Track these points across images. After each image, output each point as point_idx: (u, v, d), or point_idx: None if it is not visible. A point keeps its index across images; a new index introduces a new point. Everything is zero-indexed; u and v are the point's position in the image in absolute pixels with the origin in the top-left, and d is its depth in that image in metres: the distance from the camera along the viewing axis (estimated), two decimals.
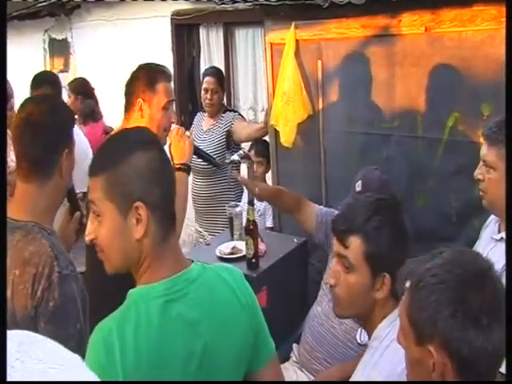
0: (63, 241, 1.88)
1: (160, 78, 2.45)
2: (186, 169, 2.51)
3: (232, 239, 3.37)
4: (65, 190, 1.91)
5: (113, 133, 2.52)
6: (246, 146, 4.20)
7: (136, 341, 1.28)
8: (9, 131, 1.89)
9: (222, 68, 5.00)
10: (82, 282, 1.79)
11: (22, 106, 1.87)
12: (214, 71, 4.32)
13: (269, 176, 4.04)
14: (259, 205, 3.76)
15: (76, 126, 2.51)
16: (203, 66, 5.57)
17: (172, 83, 2.57)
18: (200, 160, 3.29)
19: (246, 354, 1.50)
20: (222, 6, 4.72)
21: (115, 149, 1.41)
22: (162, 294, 1.35)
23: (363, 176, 2.81)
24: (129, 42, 6.07)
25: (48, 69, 7.33)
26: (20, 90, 3.88)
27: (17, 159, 1.82)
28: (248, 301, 1.50)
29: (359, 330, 2.04)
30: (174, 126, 2.56)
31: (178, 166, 2.44)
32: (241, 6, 4.46)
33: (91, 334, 1.33)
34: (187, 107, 5.90)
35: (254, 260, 2.95)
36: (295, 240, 3.29)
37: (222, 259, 3.05)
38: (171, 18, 5.65)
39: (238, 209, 3.47)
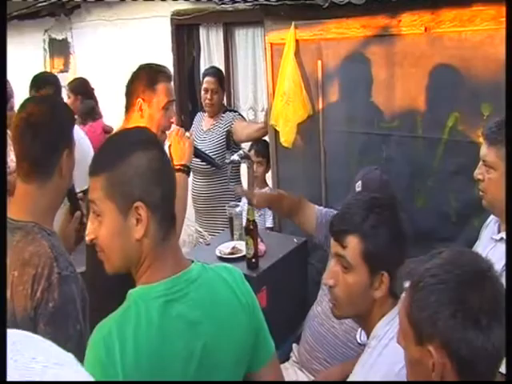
0: (64, 241, 1.88)
1: (160, 78, 2.45)
2: (186, 170, 2.51)
3: (232, 239, 3.37)
4: (65, 190, 1.91)
5: (113, 133, 2.52)
6: (245, 146, 4.21)
7: (136, 341, 1.28)
8: (9, 131, 1.89)
9: (222, 68, 5.00)
10: (82, 282, 1.79)
11: (22, 105, 1.86)
12: (214, 71, 4.32)
13: (269, 176, 4.04)
14: None
15: (76, 126, 2.51)
16: (203, 66, 5.58)
17: (172, 83, 2.57)
18: (200, 160, 3.29)
19: (245, 353, 1.50)
20: (222, 6, 4.72)
21: (116, 148, 1.41)
22: (162, 294, 1.35)
23: (363, 176, 2.81)
24: (129, 42, 6.08)
25: (48, 69, 7.34)
26: (20, 90, 3.88)
27: (17, 159, 1.82)
28: (248, 301, 1.50)
29: (359, 329, 2.04)
30: (173, 127, 2.56)
31: (178, 167, 2.43)
32: (241, 6, 4.46)
33: (91, 334, 1.33)
34: (187, 107, 5.91)
35: (253, 260, 2.95)
36: (295, 240, 3.29)
37: (221, 259, 3.05)
38: (171, 18, 5.66)
39: (237, 209, 3.47)
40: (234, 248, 3.15)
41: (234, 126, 4.05)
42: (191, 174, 2.79)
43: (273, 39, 3.65)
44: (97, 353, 1.28)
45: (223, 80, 4.34)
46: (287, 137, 3.59)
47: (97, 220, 1.37)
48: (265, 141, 4.02)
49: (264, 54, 3.90)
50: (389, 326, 1.65)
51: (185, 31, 5.79)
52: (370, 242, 1.68)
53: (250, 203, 2.95)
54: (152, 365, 1.29)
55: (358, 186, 2.76)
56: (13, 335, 0.65)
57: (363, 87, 3.32)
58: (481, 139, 2.18)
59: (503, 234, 2.09)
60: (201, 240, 4.13)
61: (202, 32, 5.63)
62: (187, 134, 2.65)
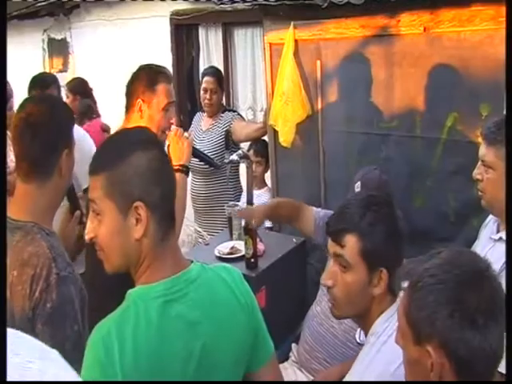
0: (63, 241, 1.88)
1: (160, 79, 2.45)
2: (185, 170, 2.50)
3: (231, 239, 3.36)
4: (64, 190, 1.91)
5: (113, 132, 2.52)
6: (244, 145, 4.21)
7: (135, 341, 1.28)
8: (8, 131, 1.89)
9: (221, 68, 5.00)
10: (81, 282, 1.79)
11: (22, 105, 1.86)
12: (213, 71, 4.32)
13: (268, 176, 4.04)
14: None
15: (77, 126, 2.50)
16: (202, 66, 5.58)
17: (172, 84, 2.57)
18: (198, 160, 3.29)
19: (245, 353, 1.50)
20: (221, 6, 4.73)
21: (116, 148, 1.42)
22: (162, 295, 1.35)
23: (362, 176, 2.81)
24: (128, 42, 6.08)
25: (47, 69, 7.35)
26: (19, 90, 3.88)
27: (16, 159, 1.82)
28: (247, 301, 1.50)
29: (358, 329, 2.04)
30: (172, 127, 2.56)
31: (177, 167, 2.43)
32: (240, 5, 4.47)
33: (90, 335, 1.33)
34: (186, 107, 5.91)
35: (252, 260, 2.94)
36: (294, 240, 3.29)
37: (220, 259, 3.05)
38: (170, 18, 5.66)
39: (236, 208, 3.47)
40: (232, 248, 3.15)
41: (233, 126, 4.05)
42: (190, 174, 2.79)
43: (272, 39, 3.66)
44: (96, 353, 1.28)
45: (222, 80, 4.34)
46: (286, 137, 3.59)
47: (96, 219, 1.37)
48: (264, 141, 4.02)
49: (263, 54, 3.90)
50: (387, 322, 1.65)
51: (184, 31, 5.79)
52: (368, 240, 1.68)
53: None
54: (151, 365, 1.29)
55: (358, 187, 2.76)
56: None
57: (362, 87, 3.33)
58: (479, 139, 2.17)
59: (502, 234, 2.09)
60: (200, 240, 4.13)
61: (201, 32, 5.63)
62: (186, 134, 2.65)
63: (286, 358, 2.78)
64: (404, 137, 3.18)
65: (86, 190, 2.39)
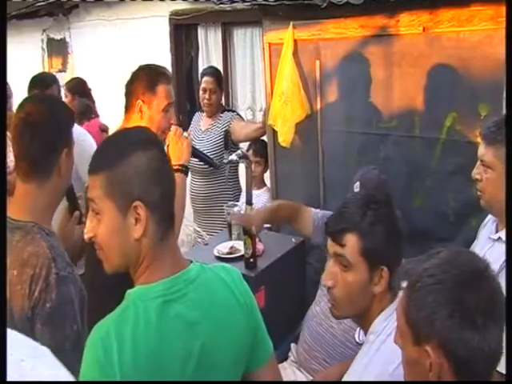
0: (62, 240, 1.88)
1: (160, 80, 2.44)
2: (184, 170, 2.50)
3: (230, 239, 3.37)
4: (64, 190, 1.91)
5: (113, 132, 2.52)
6: (244, 145, 4.21)
7: (134, 341, 1.28)
8: (7, 131, 1.89)
9: (220, 68, 5.00)
10: (81, 282, 1.79)
11: (21, 105, 1.86)
12: (212, 71, 4.32)
13: (267, 176, 4.04)
14: (258, 204, 3.76)
15: (77, 125, 2.50)
16: (201, 66, 5.58)
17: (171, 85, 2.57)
18: (198, 160, 3.29)
19: (244, 353, 1.50)
20: (221, 5, 4.73)
21: (116, 147, 1.41)
22: (161, 295, 1.35)
23: (361, 176, 2.81)
24: (127, 42, 6.08)
25: (46, 68, 7.34)
26: (18, 90, 3.88)
27: (16, 159, 1.82)
28: (246, 300, 1.50)
29: (357, 329, 2.04)
30: (172, 127, 2.56)
31: (176, 167, 2.43)
32: (239, 5, 4.47)
33: (89, 335, 1.33)
34: (185, 107, 5.90)
35: (252, 260, 2.94)
36: (293, 240, 3.29)
37: (220, 259, 3.05)
38: (169, 18, 5.66)
39: (236, 208, 3.47)
40: (232, 248, 3.15)
41: (232, 126, 4.05)
42: (189, 174, 2.79)
43: (271, 39, 3.66)
44: (95, 353, 1.28)
45: (221, 80, 4.34)
46: (285, 137, 3.59)
47: (96, 218, 1.37)
48: (263, 141, 4.02)
49: (262, 54, 3.90)
50: (387, 321, 1.65)
51: (183, 31, 5.79)
52: (369, 239, 1.68)
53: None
54: (150, 365, 1.29)
55: (357, 187, 2.76)
56: None
57: (361, 87, 3.33)
58: (479, 139, 2.18)
59: (501, 234, 2.09)
60: (199, 240, 4.14)
61: (201, 32, 5.63)
62: (185, 133, 2.65)
63: (285, 358, 2.78)
64: (403, 137, 3.18)
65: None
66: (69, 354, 1.60)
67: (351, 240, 1.70)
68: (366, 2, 3.03)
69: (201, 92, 4.19)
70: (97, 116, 5.26)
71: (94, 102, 5.31)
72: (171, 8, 5.54)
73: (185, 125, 4.77)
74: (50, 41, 7.40)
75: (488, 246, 2.15)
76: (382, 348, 1.62)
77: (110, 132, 4.57)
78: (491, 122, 2.10)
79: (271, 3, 3.44)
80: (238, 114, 4.30)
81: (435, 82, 3.01)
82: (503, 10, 2.49)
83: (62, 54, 7.30)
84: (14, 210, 1.74)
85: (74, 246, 2.02)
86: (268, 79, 3.74)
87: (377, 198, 1.79)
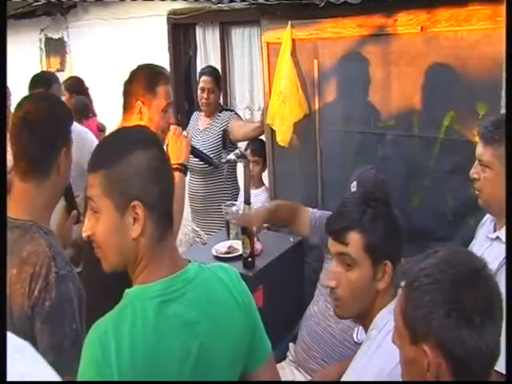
0: (60, 239, 1.88)
1: (160, 81, 2.44)
2: (183, 169, 2.51)
3: (228, 238, 3.37)
4: (62, 189, 1.91)
5: (112, 131, 2.52)
6: (242, 145, 4.21)
7: (132, 340, 1.28)
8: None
9: (219, 67, 5.00)
10: (79, 281, 1.79)
11: (19, 104, 1.86)
12: (210, 70, 4.32)
13: (265, 175, 4.04)
14: (256, 204, 3.76)
15: (77, 124, 2.49)
16: (199, 66, 5.57)
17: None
18: (197, 160, 3.29)
19: (242, 353, 1.50)
20: (219, 5, 4.73)
21: (115, 146, 1.41)
22: (159, 294, 1.34)
23: (358, 176, 2.82)
24: (125, 41, 6.07)
25: (44, 68, 7.33)
26: (17, 90, 3.87)
27: (14, 158, 1.81)
28: (244, 300, 1.50)
29: (356, 328, 2.04)
30: (171, 126, 2.56)
31: (175, 167, 2.43)
32: (237, 5, 4.47)
33: (87, 334, 1.33)
34: (183, 106, 5.90)
35: (250, 259, 2.94)
36: (291, 239, 3.29)
37: (218, 258, 3.05)
38: (168, 17, 5.65)
39: (234, 208, 3.47)
40: (230, 247, 3.15)
41: (231, 126, 4.05)
42: (188, 173, 2.79)
43: (269, 38, 3.66)
44: (92, 352, 1.28)
45: (220, 79, 4.34)
46: (283, 136, 3.59)
47: (94, 217, 1.37)
48: (261, 140, 4.02)
49: (260, 54, 3.90)
50: (388, 318, 1.65)
51: (181, 30, 5.79)
52: (371, 235, 1.70)
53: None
54: (148, 364, 1.29)
55: (354, 187, 2.76)
56: None
57: (359, 86, 3.33)
58: (477, 138, 2.18)
59: (499, 233, 2.09)
60: (197, 239, 4.13)
61: (199, 31, 5.63)
62: (184, 133, 2.65)
63: (284, 358, 2.78)
64: (401, 136, 3.19)
65: None
66: (68, 352, 1.61)
67: (354, 238, 1.71)
68: (363, 2, 3.03)
69: (199, 91, 4.18)
70: (94, 115, 5.26)
71: (91, 101, 5.31)
72: (169, 7, 5.53)
73: (183, 124, 4.76)
74: (48, 40, 7.39)
75: (486, 245, 2.15)
76: (382, 344, 1.61)
77: (108, 132, 4.57)
78: (489, 122, 2.10)
79: (269, 2, 3.45)
80: (236, 114, 4.30)
81: (433, 82, 3.01)
82: (501, 9, 2.50)
83: (60, 54, 7.29)
84: (12, 209, 1.74)
85: (73, 246, 2.02)
86: (266, 79, 3.75)
87: (375, 196, 1.81)
